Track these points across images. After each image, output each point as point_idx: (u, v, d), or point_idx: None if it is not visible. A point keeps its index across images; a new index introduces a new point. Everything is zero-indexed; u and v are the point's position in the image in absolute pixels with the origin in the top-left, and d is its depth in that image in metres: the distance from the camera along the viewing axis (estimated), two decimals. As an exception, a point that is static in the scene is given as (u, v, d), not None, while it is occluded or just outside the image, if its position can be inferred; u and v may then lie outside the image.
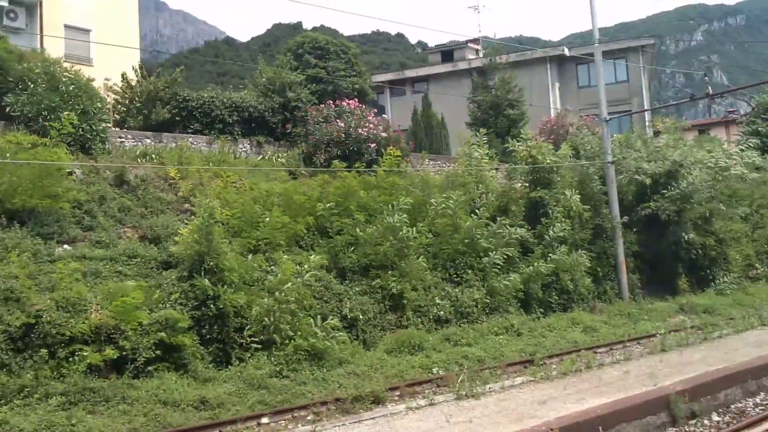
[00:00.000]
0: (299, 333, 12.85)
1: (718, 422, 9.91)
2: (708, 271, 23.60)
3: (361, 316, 14.74)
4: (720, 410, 10.44)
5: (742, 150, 27.51)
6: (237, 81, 33.56)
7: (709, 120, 67.42)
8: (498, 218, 18.93)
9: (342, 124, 21.51)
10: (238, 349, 12.66)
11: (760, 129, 48.64)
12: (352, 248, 16.36)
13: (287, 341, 12.75)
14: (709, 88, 20.90)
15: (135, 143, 19.90)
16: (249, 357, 12.47)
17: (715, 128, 59.04)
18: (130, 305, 11.49)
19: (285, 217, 15.93)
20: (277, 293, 13.13)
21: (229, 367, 12.18)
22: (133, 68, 23.32)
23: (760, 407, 10.62)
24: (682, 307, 20.58)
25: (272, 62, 28.56)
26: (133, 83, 22.71)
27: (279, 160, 21.94)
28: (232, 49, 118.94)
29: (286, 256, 14.45)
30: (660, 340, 14.72)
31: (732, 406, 10.66)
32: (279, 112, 23.52)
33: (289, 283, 13.18)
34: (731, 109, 62.99)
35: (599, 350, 15.23)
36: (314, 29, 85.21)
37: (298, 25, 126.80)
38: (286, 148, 23.10)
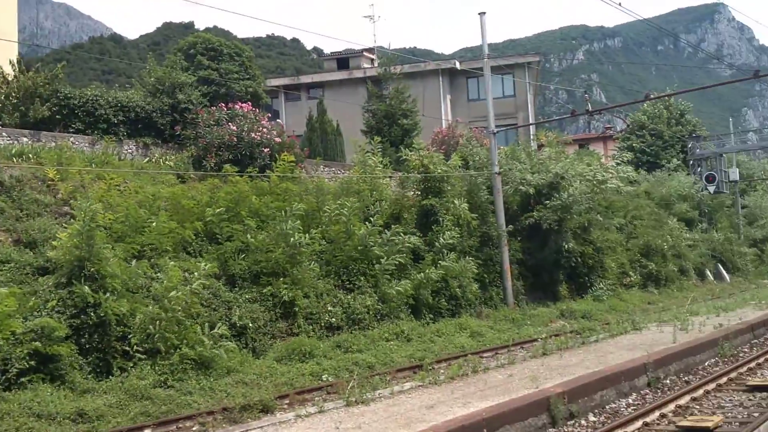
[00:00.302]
0: (186, 342, 12.47)
1: (594, 422, 10.41)
2: (586, 278, 24.88)
3: (250, 324, 14.47)
4: (596, 411, 10.97)
5: (618, 164, 29.24)
6: (124, 80, 32.38)
7: (588, 135, 71.33)
8: (391, 226, 19.16)
9: (234, 128, 21.10)
10: (120, 358, 12.11)
11: (634, 145, 51.97)
12: (243, 255, 16.07)
13: (173, 350, 12.33)
14: (589, 105, 22.12)
15: (10, 142, 18.74)
16: (132, 367, 11.96)
17: (594, 143, 62.55)
18: (1, 313, 10.76)
19: (172, 222, 15.45)
20: (164, 301, 12.69)
21: (110, 377, 11.63)
22: (9, 62, 21.93)
23: (632, 407, 11.25)
24: (562, 312, 21.59)
25: (162, 62, 27.70)
26: (10, 78, 21.36)
27: (167, 163, 21.27)
28: (119, 47, 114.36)
29: (172, 263, 13.98)
30: (542, 344, 15.32)
31: (607, 407, 11.23)
32: (168, 114, 22.83)
33: (176, 291, 12.77)
34: (608, 126, 66.80)
35: (485, 355, 15.67)
36: (207, 30, 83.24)
37: (190, 24, 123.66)
38: (175, 151, 22.44)
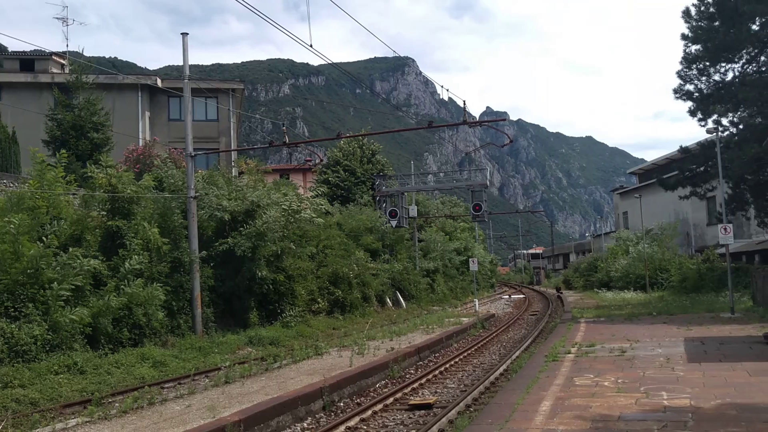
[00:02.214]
0: None
1: (268, 448, 10.58)
2: (277, 305, 25.41)
3: None
4: (272, 436, 11.16)
5: (314, 196, 30.57)
6: None
7: (290, 166, 73.73)
8: (70, 248, 17.56)
9: None
10: None
11: (330, 179, 54.99)
12: None
13: None
14: (286, 137, 22.82)
15: None
16: None
17: (295, 174, 64.85)
18: None
19: None
20: None
21: None
22: None
23: (307, 431, 11.68)
24: (251, 339, 21.70)
25: None
26: None
27: None
28: None
29: None
30: (225, 372, 15.20)
31: (283, 432, 11.51)
32: None
33: None
34: (309, 159, 69.78)
35: (167, 385, 15.08)
36: None
37: None
38: None
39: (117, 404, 12.63)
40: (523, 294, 63.38)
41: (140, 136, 35.36)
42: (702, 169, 32.76)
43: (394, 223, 43.56)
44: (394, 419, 12.38)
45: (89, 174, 20.69)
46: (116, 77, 38.74)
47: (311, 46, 16.34)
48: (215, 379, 14.93)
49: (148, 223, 20.28)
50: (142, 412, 11.86)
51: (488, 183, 48.04)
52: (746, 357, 14.64)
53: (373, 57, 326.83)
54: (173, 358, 17.78)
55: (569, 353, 16.61)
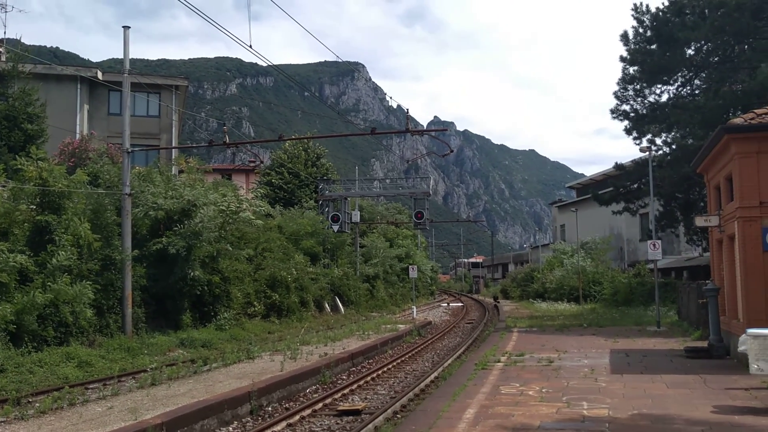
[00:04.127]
0: None
1: (191, 452, 10.43)
2: (211, 307, 25.07)
3: None
4: (196, 440, 11.01)
5: (254, 197, 30.31)
6: None
7: (233, 166, 72.80)
8: (-4, 242, 16.98)
9: None
10: None
11: (273, 180, 54.60)
12: None
13: None
14: (227, 137, 22.57)
15: None
16: None
17: (238, 175, 63.99)
18: None
19: None
20: None
21: None
22: None
23: (232, 435, 11.58)
24: (182, 341, 21.34)
25: None
26: None
27: None
28: None
29: None
30: (152, 374, 14.92)
31: (208, 435, 11.36)
32: None
33: None
34: (252, 160, 69.14)
35: (92, 386, 14.73)
36: None
37: None
38: None
39: (37, 404, 12.26)
40: (462, 302, 64.12)
41: (77, 130, 34.39)
42: (636, 186, 33.86)
43: (336, 227, 43.51)
44: (321, 425, 12.36)
45: (19, 166, 20.03)
46: (55, 68, 37.62)
47: (251, 46, 16.25)
48: (141, 381, 14.63)
49: (79, 218, 19.73)
50: (61, 413, 11.55)
51: (431, 191, 48.52)
52: (666, 369, 15.19)
53: (323, 60, 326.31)
54: (100, 359, 17.38)
55: (499, 362, 16.91)
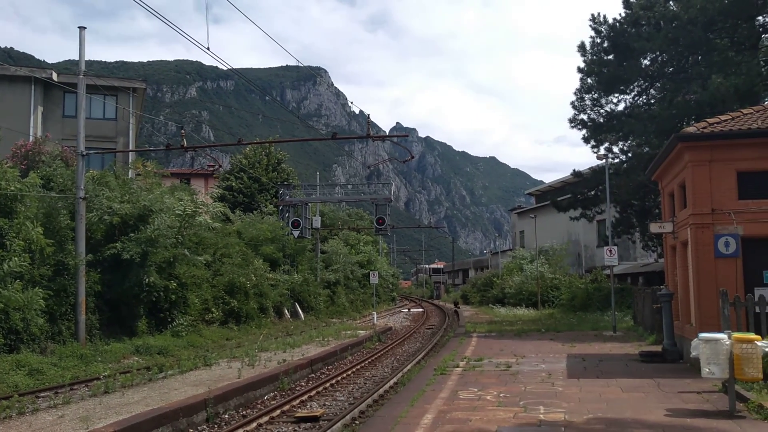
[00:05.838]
0: None
1: (144, 461, 10.20)
2: (168, 313, 24.65)
3: None
4: (150, 449, 10.78)
5: (212, 198, 29.95)
6: None
7: (192, 170, 71.82)
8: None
9: None
10: None
11: (233, 185, 54.08)
12: None
13: None
14: (184, 140, 22.27)
15: None
16: None
17: (197, 179, 63.15)
18: None
19: None
20: None
21: None
22: None
23: (187, 443, 11.37)
24: (138, 348, 20.94)
25: None
26: None
27: None
28: None
29: None
30: (105, 381, 14.59)
31: (161, 444, 11.12)
32: None
33: None
34: (211, 165, 68.35)
35: (42, 394, 14.34)
36: None
37: None
38: None
39: (-17, 414, 11.88)
40: (423, 308, 64.28)
41: (31, 132, 33.58)
42: (593, 193, 34.42)
43: (296, 233, 43.17)
44: (279, 432, 12.23)
45: (-33, 168, 19.47)
46: (8, 68, 36.73)
47: (209, 48, 16.09)
48: (94, 389, 14.28)
49: (32, 222, 19.25)
50: (9, 423, 11.20)
51: (393, 197, 48.54)
52: (621, 374, 15.41)
53: (285, 65, 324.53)
54: (52, 366, 16.97)
55: (458, 367, 16.96)
